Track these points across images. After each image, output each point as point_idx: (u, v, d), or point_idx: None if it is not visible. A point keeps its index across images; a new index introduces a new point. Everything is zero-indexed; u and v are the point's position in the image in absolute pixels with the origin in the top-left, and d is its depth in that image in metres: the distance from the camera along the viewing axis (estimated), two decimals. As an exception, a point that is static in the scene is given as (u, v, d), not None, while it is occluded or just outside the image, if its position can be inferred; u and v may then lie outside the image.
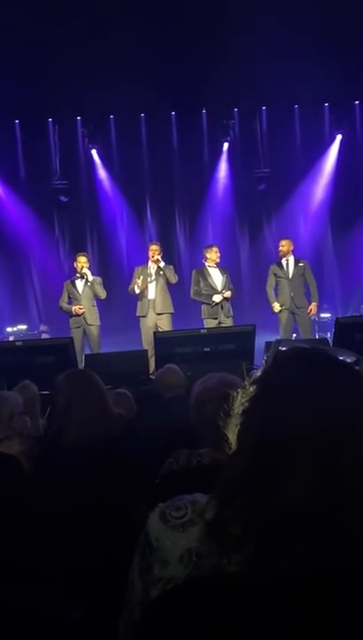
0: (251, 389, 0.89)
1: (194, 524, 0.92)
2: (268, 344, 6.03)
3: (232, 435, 0.91)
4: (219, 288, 8.09)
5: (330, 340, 6.91)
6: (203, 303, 8.12)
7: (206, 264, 8.28)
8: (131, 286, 8.21)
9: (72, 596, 1.26)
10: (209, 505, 0.88)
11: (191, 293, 8.23)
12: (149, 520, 0.97)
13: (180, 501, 0.96)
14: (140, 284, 8.04)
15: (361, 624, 0.74)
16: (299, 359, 0.90)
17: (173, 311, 8.19)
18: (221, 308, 8.04)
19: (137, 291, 8.09)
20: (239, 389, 0.96)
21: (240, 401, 0.92)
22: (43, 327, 10.44)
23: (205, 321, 8.04)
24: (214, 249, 8.34)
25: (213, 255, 8.26)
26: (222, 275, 8.22)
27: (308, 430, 0.81)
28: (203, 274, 8.21)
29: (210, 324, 7.93)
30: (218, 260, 8.30)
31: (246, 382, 0.93)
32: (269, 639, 0.74)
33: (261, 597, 0.77)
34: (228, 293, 8.07)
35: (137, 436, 2.87)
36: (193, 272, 8.39)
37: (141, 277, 8.09)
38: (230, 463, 0.86)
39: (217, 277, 8.19)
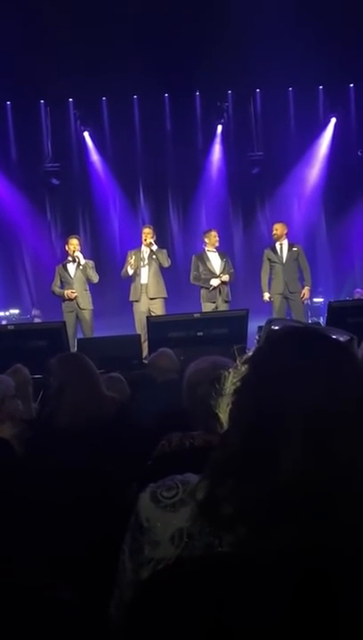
0: (243, 369, 0.88)
1: (185, 504, 0.91)
2: (260, 328, 6.02)
3: (224, 414, 0.90)
4: (217, 272, 8.08)
5: (323, 325, 6.93)
6: (202, 287, 8.12)
7: (206, 248, 8.27)
8: (123, 270, 8.17)
9: (63, 578, 1.26)
10: (201, 485, 0.87)
11: (191, 278, 8.23)
12: (139, 500, 0.95)
13: (171, 481, 0.95)
14: (132, 263, 8.00)
15: (353, 603, 0.74)
16: (292, 338, 0.89)
17: (166, 296, 8.17)
18: (220, 292, 8.04)
19: (130, 271, 8.04)
20: (231, 369, 0.95)
21: (232, 380, 0.91)
22: (35, 311, 10.40)
23: (203, 305, 8.05)
24: (213, 233, 8.33)
25: (211, 239, 8.26)
26: (221, 259, 8.21)
27: (301, 409, 0.80)
28: (202, 258, 8.21)
29: (208, 307, 7.94)
30: (217, 244, 8.29)
31: (238, 362, 0.92)
32: (260, 620, 0.74)
33: (252, 578, 0.76)
34: (225, 277, 8.06)
35: (130, 419, 2.86)
36: (193, 257, 8.38)
37: (134, 257, 8.06)
38: (222, 442, 0.86)
39: (216, 261, 8.18)
